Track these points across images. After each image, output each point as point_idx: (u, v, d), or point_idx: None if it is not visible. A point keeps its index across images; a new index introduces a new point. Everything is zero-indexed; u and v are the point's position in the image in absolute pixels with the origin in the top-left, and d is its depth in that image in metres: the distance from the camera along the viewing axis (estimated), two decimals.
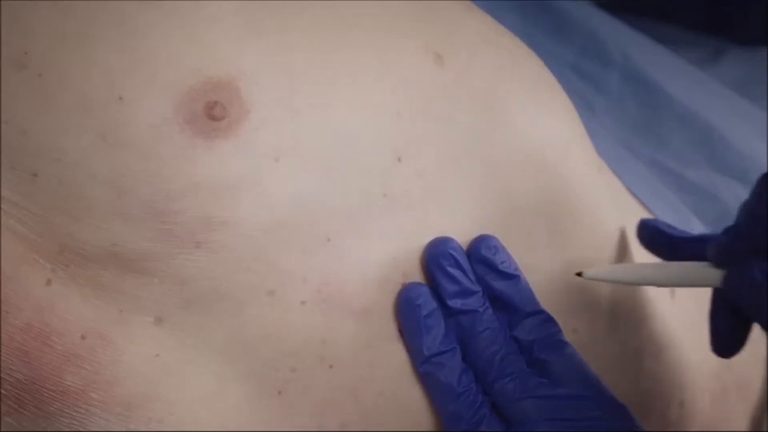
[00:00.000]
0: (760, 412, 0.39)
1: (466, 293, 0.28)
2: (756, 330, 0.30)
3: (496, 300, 0.29)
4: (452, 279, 0.28)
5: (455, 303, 0.28)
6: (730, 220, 0.29)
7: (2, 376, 0.24)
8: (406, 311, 0.28)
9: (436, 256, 0.28)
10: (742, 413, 0.39)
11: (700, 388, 0.37)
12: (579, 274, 0.30)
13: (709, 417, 0.37)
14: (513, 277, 0.29)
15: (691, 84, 0.55)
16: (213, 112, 0.25)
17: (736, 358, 0.37)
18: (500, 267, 0.29)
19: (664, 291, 0.37)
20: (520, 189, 0.31)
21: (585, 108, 0.52)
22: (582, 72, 0.54)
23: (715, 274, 0.29)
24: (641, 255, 0.35)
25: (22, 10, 0.24)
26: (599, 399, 0.28)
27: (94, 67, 0.24)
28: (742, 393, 0.39)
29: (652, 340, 0.35)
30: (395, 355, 0.28)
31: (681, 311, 0.37)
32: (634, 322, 0.34)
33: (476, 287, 0.29)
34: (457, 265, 0.28)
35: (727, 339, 0.30)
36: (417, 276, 0.29)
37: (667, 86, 0.53)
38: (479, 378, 0.28)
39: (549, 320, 0.29)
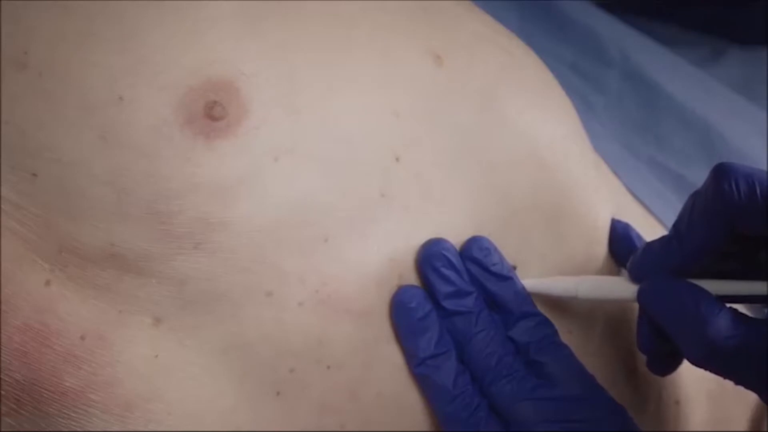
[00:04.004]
0: (760, 412, 0.39)
1: (460, 294, 0.28)
2: None
3: (491, 301, 0.29)
4: (446, 280, 0.28)
5: (449, 304, 0.28)
6: None
7: (2, 376, 0.24)
8: (400, 314, 0.28)
9: (429, 257, 0.28)
10: (741, 414, 0.39)
11: (696, 388, 0.37)
12: None
13: (707, 417, 0.37)
14: (506, 279, 0.29)
15: (690, 84, 0.55)
16: (212, 112, 0.25)
17: None
18: (492, 269, 0.29)
19: None
20: (518, 189, 0.31)
21: (584, 108, 0.52)
22: (581, 72, 0.54)
23: (632, 289, 0.29)
24: None
25: (22, 10, 0.24)
26: (597, 400, 0.28)
27: (94, 67, 0.24)
28: (741, 393, 0.39)
29: None
30: (393, 356, 0.28)
31: None
32: (628, 323, 0.34)
33: (470, 288, 0.29)
34: (451, 266, 0.28)
35: (654, 356, 0.31)
36: (413, 277, 0.29)
37: (666, 86, 0.53)
38: (476, 379, 0.28)
39: (544, 322, 0.29)
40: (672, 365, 0.31)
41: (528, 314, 0.29)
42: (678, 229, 0.28)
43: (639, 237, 0.34)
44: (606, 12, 0.58)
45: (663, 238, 0.29)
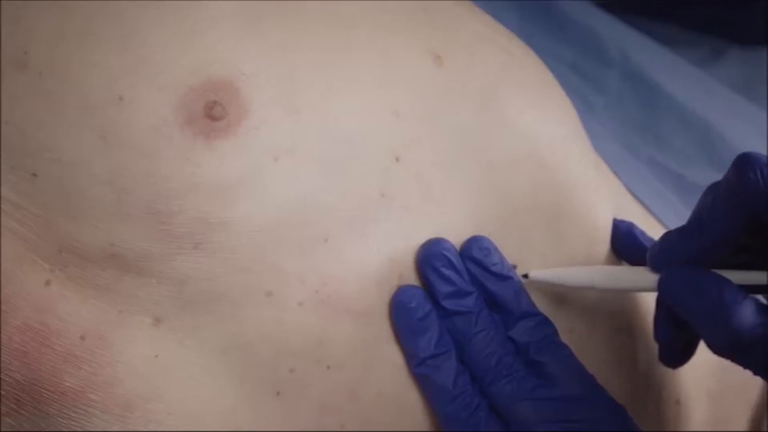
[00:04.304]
0: (760, 412, 0.39)
1: (460, 294, 0.28)
2: None
3: (491, 301, 0.29)
4: (446, 280, 0.28)
5: (449, 304, 0.28)
6: None
7: (2, 376, 0.24)
8: (400, 314, 0.28)
9: (429, 257, 0.28)
10: (741, 413, 0.39)
11: (696, 388, 0.37)
12: (525, 276, 0.30)
13: (707, 417, 0.37)
14: (506, 279, 0.29)
15: (690, 84, 0.55)
16: (212, 112, 0.25)
17: None
18: (492, 269, 0.29)
19: None
20: (518, 188, 0.31)
21: (584, 107, 0.51)
22: (581, 71, 0.54)
23: (651, 279, 0.29)
24: None
25: (23, 10, 0.24)
26: (597, 400, 0.28)
27: (94, 67, 0.24)
28: (741, 393, 0.39)
29: (648, 339, 0.35)
30: (393, 356, 0.28)
31: None
32: (630, 322, 0.34)
33: (470, 288, 0.29)
34: (451, 266, 0.28)
35: (670, 347, 0.30)
36: (413, 277, 0.29)
37: (666, 86, 0.53)
38: (476, 379, 0.28)
39: (543, 322, 0.29)
40: (685, 357, 0.31)
41: (528, 314, 0.29)
42: (699, 219, 0.28)
43: (643, 234, 0.34)
44: (606, 12, 0.58)
45: (683, 227, 0.28)
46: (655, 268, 0.29)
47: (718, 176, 0.28)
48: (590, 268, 0.30)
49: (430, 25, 0.31)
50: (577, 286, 0.30)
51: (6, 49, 0.24)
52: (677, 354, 0.31)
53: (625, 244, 0.34)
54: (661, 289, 0.28)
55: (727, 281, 0.26)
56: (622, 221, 0.35)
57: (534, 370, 0.28)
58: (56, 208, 0.24)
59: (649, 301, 0.35)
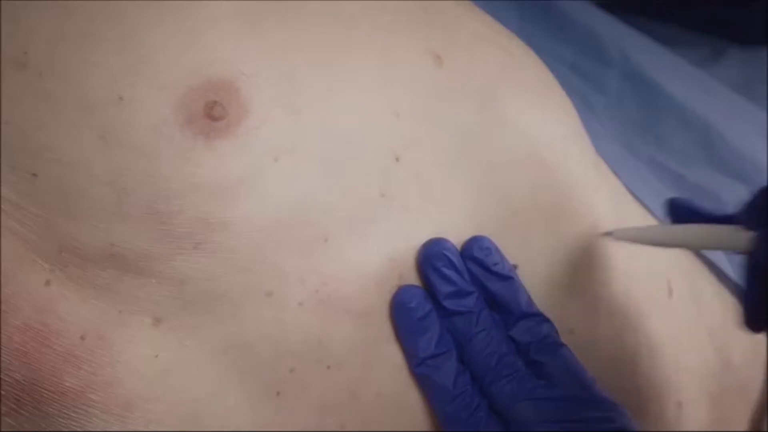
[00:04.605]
0: (760, 412, 0.39)
1: (461, 294, 0.28)
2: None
3: (491, 301, 0.29)
4: (446, 280, 0.28)
5: (450, 304, 0.28)
6: None
7: (2, 376, 0.24)
8: (400, 314, 0.28)
9: (430, 257, 0.28)
10: (741, 414, 0.39)
11: (697, 390, 0.37)
12: (609, 234, 0.30)
13: (708, 417, 0.37)
14: (507, 279, 0.29)
15: (690, 84, 0.55)
16: (212, 112, 0.25)
17: (736, 359, 0.37)
18: (493, 268, 0.29)
19: (662, 291, 0.37)
20: (518, 188, 0.31)
21: (584, 107, 0.52)
22: (581, 72, 0.54)
23: (746, 237, 0.28)
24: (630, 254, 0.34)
25: (22, 10, 0.24)
26: (597, 400, 0.28)
27: (94, 67, 0.24)
28: (742, 394, 0.39)
29: (649, 340, 0.35)
30: (393, 356, 0.28)
31: (678, 312, 0.37)
32: (631, 323, 0.34)
33: (471, 288, 0.29)
34: (452, 266, 0.28)
35: (758, 309, 0.29)
36: (413, 277, 0.29)
37: (666, 86, 0.53)
38: (476, 379, 0.28)
39: (544, 322, 0.29)
40: None
41: (528, 314, 0.29)
42: None
43: (701, 206, 0.33)
44: (606, 12, 0.58)
45: None
46: (750, 227, 0.28)
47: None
48: (680, 226, 0.29)
49: (430, 25, 0.31)
50: (666, 245, 0.29)
51: (6, 49, 0.24)
52: (765, 316, 0.30)
53: (689, 212, 0.32)
54: (759, 246, 0.27)
55: None
56: (678, 198, 0.33)
57: (534, 370, 0.28)
58: (56, 208, 0.24)
59: (651, 297, 0.35)
